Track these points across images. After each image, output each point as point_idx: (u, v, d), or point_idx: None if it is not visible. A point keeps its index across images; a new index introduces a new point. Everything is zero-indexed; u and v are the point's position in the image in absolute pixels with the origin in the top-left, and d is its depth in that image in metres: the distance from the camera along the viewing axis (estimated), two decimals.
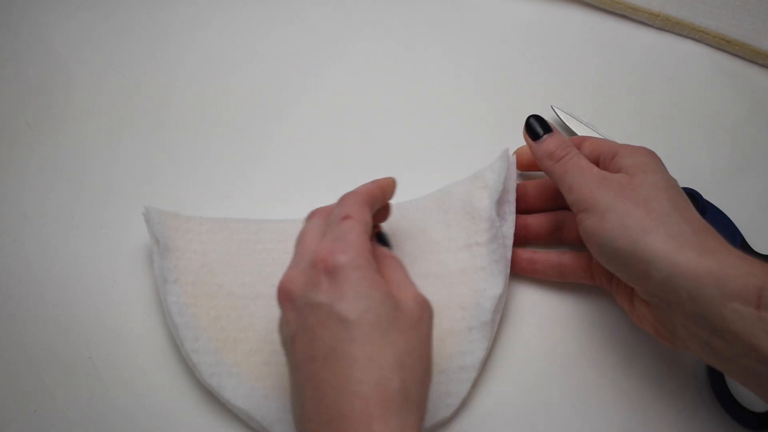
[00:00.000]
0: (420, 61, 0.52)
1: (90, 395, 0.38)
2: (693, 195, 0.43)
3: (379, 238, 0.37)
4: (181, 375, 0.39)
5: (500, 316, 0.40)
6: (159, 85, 0.50)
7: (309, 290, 0.31)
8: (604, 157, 0.38)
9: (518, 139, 0.48)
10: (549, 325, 0.41)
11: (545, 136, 0.40)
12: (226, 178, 0.46)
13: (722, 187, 0.46)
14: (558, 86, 0.50)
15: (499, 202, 0.42)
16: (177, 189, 0.46)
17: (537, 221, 0.43)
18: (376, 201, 0.36)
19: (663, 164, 0.37)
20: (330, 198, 0.44)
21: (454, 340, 0.38)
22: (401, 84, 0.51)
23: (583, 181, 0.36)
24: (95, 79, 0.50)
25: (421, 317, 0.32)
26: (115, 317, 0.41)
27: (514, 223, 0.41)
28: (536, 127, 0.40)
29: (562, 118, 0.47)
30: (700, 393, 0.39)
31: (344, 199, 0.35)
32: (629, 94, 0.50)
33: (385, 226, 0.40)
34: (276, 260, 0.41)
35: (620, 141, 0.46)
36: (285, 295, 0.32)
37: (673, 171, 0.45)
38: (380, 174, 0.46)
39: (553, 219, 0.43)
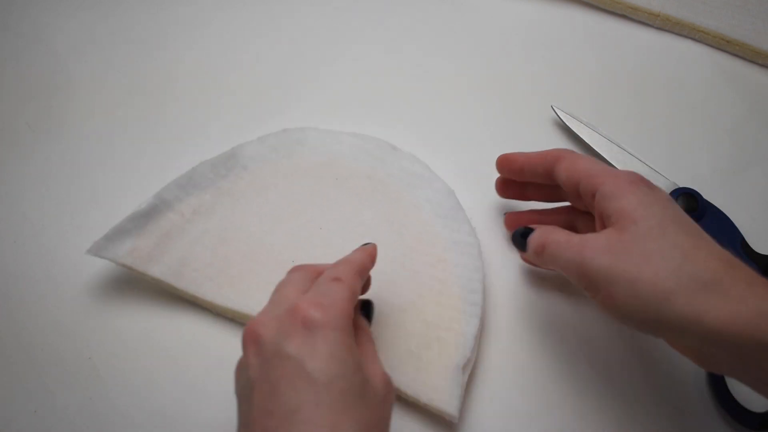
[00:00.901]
0: (419, 61, 0.52)
1: (90, 395, 0.38)
2: (693, 195, 0.43)
3: (364, 308, 0.36)
4: (181, 375, 0.39)
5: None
6: (159, 85, 0.50)
7: (281, 338, 0.29)
8: (584, 192, 0.35)
9: (517, 140, 0.48)
10: (549, 326, 0.41)
11: (528, 240, 0.36)
12: None
13: (722, 187, 0.46)
14: (558, 86, 0.50)
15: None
16: None
17: (549, 219, 0.41)
18: (366, 271, 0.35)
19: (650, 189, 0.33)
20: None
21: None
22: (400, 84, 0.51)
23: (569, 259, 0.32)
24: (95, 79, 0.50)
25: (386, 398, 0.30)
26: (115, 317, 0.41)
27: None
28: (519, 240, 0.37)
29: (562, 118, 0.47)
30: (700, 393, 0.39)
31: (338, 264, 0.34)
32: (629, 94, 0.50)
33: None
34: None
35: (620, 140, 0.46)
36: (252, 338, 0.30)
37: (673, 171, 0.45)
38: None
39: (565, 218, 0.41)
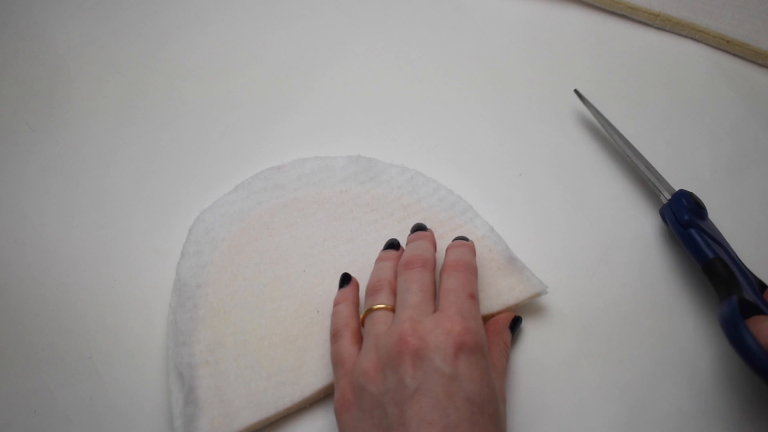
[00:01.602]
0: (419, 61, 0.52)
1: (90, 395, 0.38)
2: (696, 201, 0.43)
3: (514, 324, 0.39)
4: None
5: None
6: (159, 85, 0.50)
7: (439, 357, 0.30)
8: None
9: (516, 139, 0.48)
10: (549, 322, 0.41)
11: None
12: (226, 179, 0.46)
13: (722, 187, 0.46)
14: (557, 86, 0.50)
15: None
16: (177, 189, 0.46)
17: None
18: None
19: None
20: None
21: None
22: (400, 84, 0.51)
23: None
24: (95, 79, 0.50)
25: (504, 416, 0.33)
26: (115, 317, 0.41)
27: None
28: None
29: (585, 101, 0.47)
30: (698, 393, 0.39)
31: (460, 270, 0.36)
32: (629, 95, 0.51)
33: None
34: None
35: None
36: (412, 349, 0.31)
37: (673, 171, 0.45)
38: None
39: None
